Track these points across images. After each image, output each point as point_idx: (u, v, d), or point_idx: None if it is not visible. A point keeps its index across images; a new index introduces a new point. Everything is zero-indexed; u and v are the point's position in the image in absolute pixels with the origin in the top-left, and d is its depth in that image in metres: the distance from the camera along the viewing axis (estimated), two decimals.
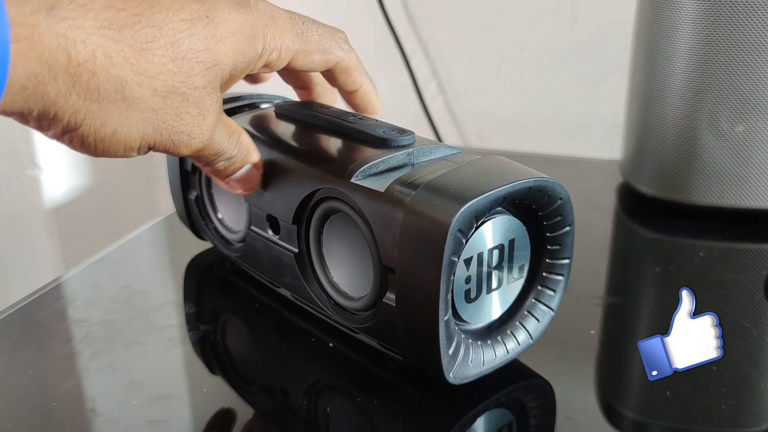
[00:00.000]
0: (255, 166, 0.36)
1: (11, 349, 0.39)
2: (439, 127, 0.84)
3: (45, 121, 0.27)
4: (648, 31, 0.56)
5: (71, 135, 0.27)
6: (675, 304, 0.43)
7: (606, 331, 0.40)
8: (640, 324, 0.42)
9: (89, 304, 0.43)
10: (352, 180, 0.33)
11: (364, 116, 0.38)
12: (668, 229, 0.55)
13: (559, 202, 0.33)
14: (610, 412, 0.34)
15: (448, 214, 0.29)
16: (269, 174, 0.37)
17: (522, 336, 0.35)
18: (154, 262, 0.52)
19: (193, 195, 0.45)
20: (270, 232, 0.39)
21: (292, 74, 0.40)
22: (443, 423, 0.32)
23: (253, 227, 0.40)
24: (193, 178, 0.45)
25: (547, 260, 0.35)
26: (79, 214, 0.83)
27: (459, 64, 0.83)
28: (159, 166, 0.98)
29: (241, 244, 0.43)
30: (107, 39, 0.26)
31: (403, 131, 0.36)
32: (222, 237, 0.45)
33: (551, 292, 0.36)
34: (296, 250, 0.37)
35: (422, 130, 0.84)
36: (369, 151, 0.35)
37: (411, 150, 0.35)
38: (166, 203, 0.87)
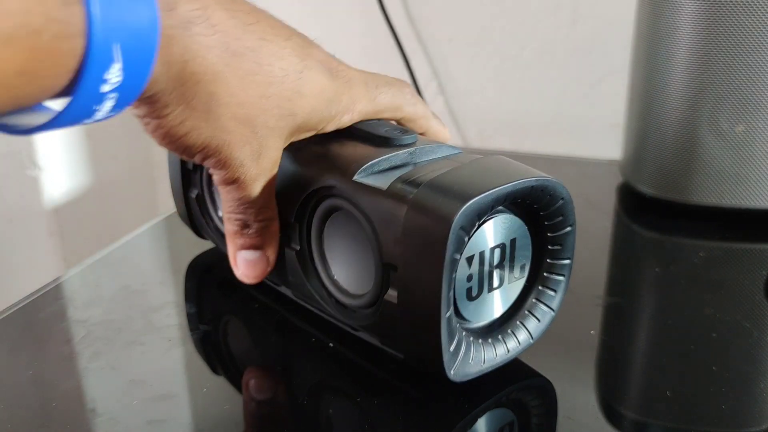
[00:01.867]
0: (268, 259, 0.37)
1: (11, 349, 0.39)
2: None
3: (144, 107, 0.30)
4: (648, 31, 0.56)
5: (150, 119, 0.31)
6: (675, 304, 0.43)
7: (606, 331, 0.40)
8: (640, 324, 0.42)
9: (89, 304, 0.43)
10: (355, 178, 0.33)
11: (375, 121, 0.38)
12: (668, 229, 0.55)
13: (561, 202, 0.33)
14: (610, 412, 0.34)
15: (451, 211, 0.29)
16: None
17: (523, 335, 0.35)
18: (154, 262, 0.52)
19: (194, 193, 0.45)
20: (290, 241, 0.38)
21: None
22: (443, 423, 0.32)
23: None
24: (194, 177, 0.45)
25: (548, 260, 0.35)
26: (79, 214, 0.83)
27: (459, 64, 0.83)
28: (159, 167, 0.98)
29: None
30: (219, 61, 0.30)
31: (405, 131, 0.36)
32: (223, 236, 0.44)
33: (552, 293, 0.36)
34: (298, 248, 0.37)
35: None
36: (371, 150, 0.35)
37: (413, 149, 0.35)
38: (166, 203, 0.87)
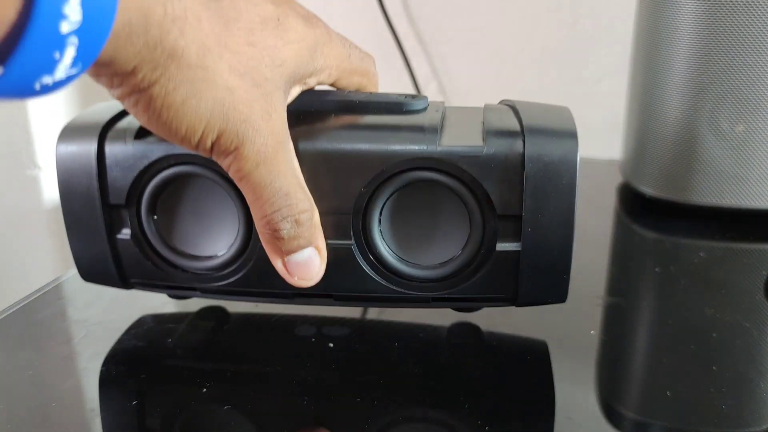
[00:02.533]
0: (320, 252, 0.33)
1: (11, 349, 0.39)
2: None
3: (120, 75, 0.26)
4: (648, 31, 0.56)
5: (139, 96, 0.27)
6: (675, 304, 0.43)
7: (606, 331, 0.40)
8: (640, 324, 0.42)
9: (89, 304, 0.43)
10: (438, 145, 0.33)
11: (359, 91, 0.37)
12: (668, 229, 0.55)
13: None
14: (610, 412, 0.34)
15: (571, 151, 0.32)
16: (302, 171, 0.33)
17: None
18: None
19: (125, 234, 0.36)
20: None
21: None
22: (443, 423, 0.32)
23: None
24: (125, 213, 0.36)
25: None
26: None
27: (459, 64, 0.83)
28: None
29: (233, 268, 0.36)
30: (199, 4, 0.27)
31: (412, 95, 0.36)
32: (187, 272, 0.37)
33: None
34: (352, 242, 0.35)
35: None
36: (408, 118, 0.35)
37: (440, 108, 0.36)
38: None
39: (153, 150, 0.34)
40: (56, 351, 0.39)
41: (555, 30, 0.78)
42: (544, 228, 0.33)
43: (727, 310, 0.42)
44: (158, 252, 0.37)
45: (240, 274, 0.36)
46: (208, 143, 0.28)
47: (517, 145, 0.33)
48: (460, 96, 0.84)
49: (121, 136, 0.35)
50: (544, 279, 0.34)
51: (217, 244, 0.36)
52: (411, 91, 0.82)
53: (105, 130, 0.35)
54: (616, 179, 0.63)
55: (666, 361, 0.38)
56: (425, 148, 0.33)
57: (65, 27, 0.21)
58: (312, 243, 0.32)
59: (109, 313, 0.42)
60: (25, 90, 0.22)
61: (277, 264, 0.32)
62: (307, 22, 0.32)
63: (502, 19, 0.79)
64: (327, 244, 0.34)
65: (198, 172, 0.34)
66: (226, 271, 0.36)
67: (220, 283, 0.37)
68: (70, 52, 0.22)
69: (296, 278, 0.32)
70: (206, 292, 0.38)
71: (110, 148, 0.35)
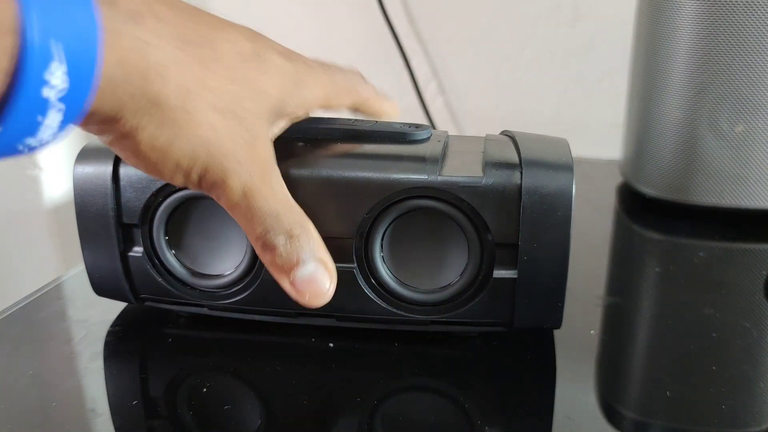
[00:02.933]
0: (326, 266, 0.32)
1: (11, 349, 0.39)
2: (439, 127, 0.83)
3: (106, 123, 0.27)
4: (648, 31, 0.56)
5: (126, 141, 0.28)
6: (675, 304, 0.43)
7: (606, 331, 0.40)
8: (640, 324, 0.42)
9: (89, 304, 0.43)
10: (439, 174, 0.34)
11: (363, 119, 0.39)
12: (668, 229, 0.55)
13: None
14: (610, 412, 0.34)
15: (566, 185, 0.33)
16: (307, 196, 0.34)
17: None
18: None
19: (137, 252, 0.38)
20: None
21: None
22: (443, 423, 0.32)
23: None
24: (137, 231, 0.37)
25: None
26: None
27: (459, 64, 0.83)
28: None
29: (240, 286, 0.37)
30: (179, 50, 0.28)
31: (416, 125, 0.37)
32: (196, 289, 0.38)
33: None
34: (354, 265, 0.36)
35: None
36: (411, 148, 0.36)
37: (442, 138, 0.37)
38: None
39: None
40: (56, 351, 0.39)
41: (555, 30, 0.78)
42: (539, 257, 0.34)
43: (727, 310, 0.42)
44: (168, 269, 0.38)
45: (246, 293, 0.37)
46: (195, 179, 0.30)
47: (515, 176, 0.34)
48: (460, 96, 0.84)
49: None
50: (539, 305, 0.35)
51: (225, 263, 0.38)
52: (411, 91, 0.82)
53: None
54: (616, 179, 0.63)
55: (666, 361, 0.38)
56: (426, 177, 0.34)
57: (49, 93, 0.23)
58: (313, 255, 0.31)
59: (109, 313, 0.42)
60: (8, 151, 0.24)
61: (285, 285, 0.31)
62: (285, 56, 0.33)
63: (502, 19, 0.79)
64: None
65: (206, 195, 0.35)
66: (233, 289, 0.37)
67: (227, 301, 0.38)
68: (55, 117, 0.23)
69: (307, 297, 0.31)
70: (213, 309, 0.39)
71: (125, 171, 0.36)
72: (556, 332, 0.39)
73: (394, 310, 0.36)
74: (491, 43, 0.81)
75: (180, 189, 0.36)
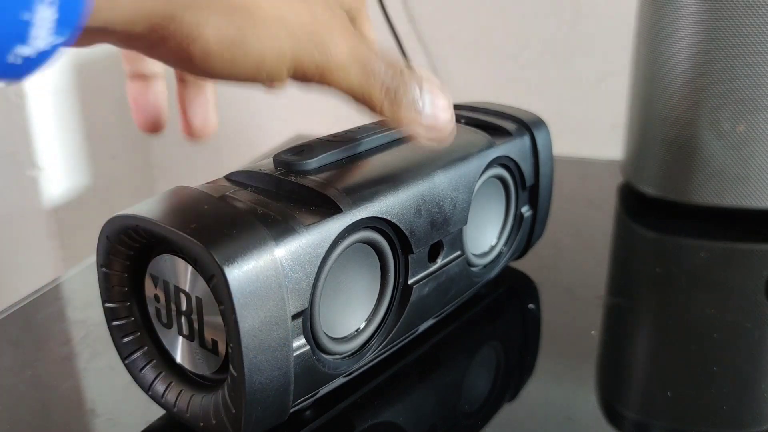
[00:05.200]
0: (442, 93, 0.30)
1: (11, 349, 0.39)
2: None
3: (159, 32, 0.22)
4: (649, 31, 0.56)
5: (190, 48, 0.23)
6: (675, 304, 0.43)
7: (606, 331, 0.40)
8: (641, 324, 0.42)
9: (88, 304, 0.43)
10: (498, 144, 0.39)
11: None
12: (669, 229, 0.55)
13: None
14: (610, 412, 0.34)
15: (548, 134, 0.44)
16: (413, 205, 0.32)
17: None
18: None
19: (302, 345, 0.29)
20: (433, 265, 0.35)
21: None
22: (443, 423, 0.32)
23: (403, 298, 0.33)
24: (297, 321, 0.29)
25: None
26: (79, 214, 0.83)
27: (459, 63, 0.83)
28: (159, 166, 0.98)
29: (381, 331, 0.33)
30: None
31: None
32: (339, 357, 0.32)
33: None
34: (461, 252, 0.37)
35: None
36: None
37: None
38: None
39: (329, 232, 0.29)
40: (56, 351, 0.38)
41: (555, 30, 0.78)
42: (545, 194, 0.44)
43: (727, 310, 0.42)
44: (324, 348, 0.31)
45: (390, 335, 0.33)
46: (285, 76, 0.26)
47: (528, 136, 0.43)
48: (460, 96, 0.83)
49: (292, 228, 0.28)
50: (540, 231, 0.45)
51: (352, 319, 0.32)
52: None
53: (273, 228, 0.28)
54: (617, 179, 0.63)
55: (666, 361, 0.38)
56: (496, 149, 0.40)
57: None
58: (431, 84, 0.30)
59: None
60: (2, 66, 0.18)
61: (421, 134, 0.30)
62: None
63: (502, 19, 0.79)
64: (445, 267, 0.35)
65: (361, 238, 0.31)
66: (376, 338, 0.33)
67: (370, 354, 0.33)
68: (46, 14, 0.18)
69: (444, 134, 0.30)
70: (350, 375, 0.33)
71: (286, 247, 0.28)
72: (556, 332, 0.39)
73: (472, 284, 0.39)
74: (491, 43, 0.81)
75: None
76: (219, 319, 0.27)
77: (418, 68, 0.30)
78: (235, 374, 0.26)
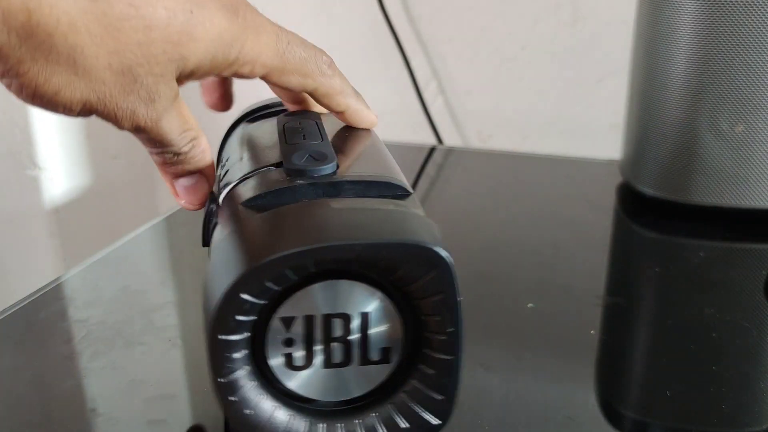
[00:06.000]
0: (207, 177, 0.34)
1: (11, 349, 0.39)
2: (439, 127, 0.84)
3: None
4: (648, 31, 0.56)
5: (10, 81, 0.27)
6: (675, 304, 0.43)
7: (606, 331, 0.40)
8: (640, 324, 0.42)
9: (89, 304, 0.43)
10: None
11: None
12: (668, 229, 0.55)
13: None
14: (610, 412, 0.34)
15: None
16: None
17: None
18: (154, 262, 0.52)
19: None
20: None
21: (279, 89, 0.38)
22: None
23: None
24: None
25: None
26: (79, 214, 0.83)
27: (459, 64, 0.83)
28: None
29: None
30: (76, 7, 0.26)
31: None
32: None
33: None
34: None
35: (422, 130, 0.84)
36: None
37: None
38: (166, 203, 0.87)
39: None
40: (56, 351, 0.39)
41: (555, 30, 0.78)
42: None
43: (727, 310, 0.42)
44: None
45: None
46: (86, 115, 0.29)
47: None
48: (460, 96, 0.84)
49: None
50: None
51: None
52: (411, 91, 0.82)
53: None
54: (616, 179, 0.63)
55: (666, 361, 0.38)
56: None
57: None
58: (199, 166, 0.34)
59: (109, 313, 0.42)
60: None
61: (168, 185, 0.35)
62: (228, 12, 0.31)
63: (502, 19, 0.79)
64: None
65: None
66: None
67: None
68: None
69: (184, 202, 0.35)
70: None
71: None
72: (556, 332, 0.39)
73: None
74: (491, 43, 0.81)
75: None
76: (386, 328, 0.28)
77: (201, 151, 0.34)
78: (449, 358, 0.28)
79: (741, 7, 0.49)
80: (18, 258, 0.82)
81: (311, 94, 0.36)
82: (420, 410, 0.29)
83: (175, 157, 0.33)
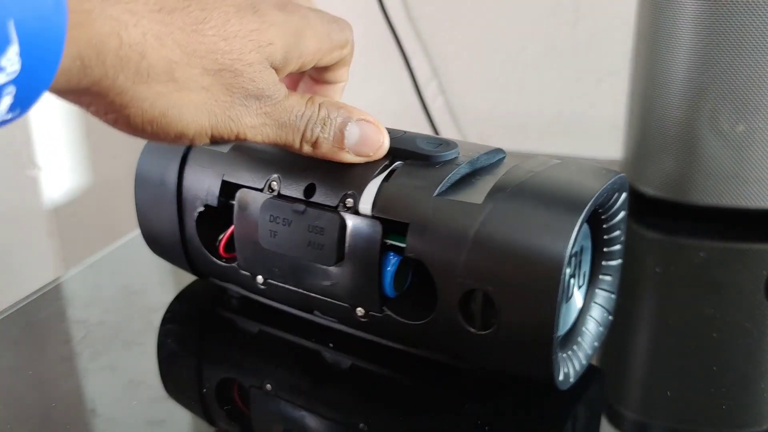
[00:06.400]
0: (365, 119, 0.33)
1: (11, 349, 0.39)
2: (439, 127, 0.83)
3: (87, 97, 0.27)
4: (649, 31, 0.56)
5: (116, 115, 0.27)
6: (675, 304, 0.43)
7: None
8: (640, 324, 0.42)
9: (89, 304, 0.43)
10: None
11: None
12: (668, 229, 0.55)
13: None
14: (610, 412, 0.34)
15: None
16: None
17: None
18: (154, 262, 0.52)
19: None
20: None
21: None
22: (443, 424, 0.32)
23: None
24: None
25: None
26: (79, 214, 0.83)
27: (459, 64, 0.83)
28: None
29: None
30: (157, 22, 0.27)
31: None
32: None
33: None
34: None
35: (422, 130, 0.84)
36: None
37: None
38: None
39: None
40: (56, 351, 0.39)
41: (555, 30, 0.78)
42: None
43: (727, 310, 0.42)
44: None
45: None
46: (206, 140, 0.30)
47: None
48: (460, 96, 0.84)
49: None
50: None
51: None
52: (411, 91, 0.82)
53: None
54: None
55: (666, 361, 0.38)
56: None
57: (1, 78, 0.21)
58: (350, 117, 0.33)
59: (109, 313, 0.42)
60: None
61: (348, 157, 0.33)
62: (283, 8, 0.32)
63: (502, 19, 0.79)
64: None
65: None
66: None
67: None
68: (5, 101, 0.22)
69: (370, 155, 0.34)
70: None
71: None
72: None
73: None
74: (491, 43, 0.81)
75: None
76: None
77: (340, 107, 0.33)
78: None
79: (742, 7, 0.49)
80: (17, 258, 0.81)
81: (334, 65, 0.36)
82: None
83: (323, 128, 0.32)
